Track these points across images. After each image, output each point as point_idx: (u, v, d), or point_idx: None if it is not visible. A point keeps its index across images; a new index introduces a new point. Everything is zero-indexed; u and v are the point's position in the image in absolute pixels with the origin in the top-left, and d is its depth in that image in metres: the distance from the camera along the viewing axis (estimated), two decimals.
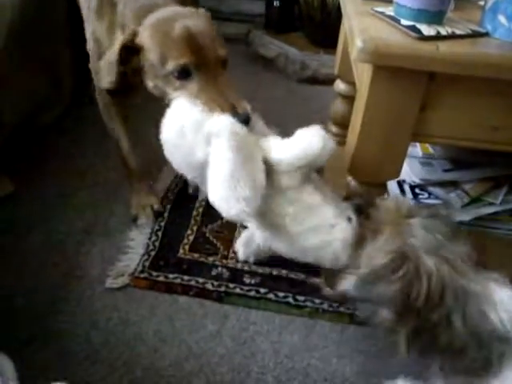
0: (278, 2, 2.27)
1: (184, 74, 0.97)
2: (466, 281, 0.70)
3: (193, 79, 0.98)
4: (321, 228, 0.95)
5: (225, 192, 0.87)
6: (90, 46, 1.21)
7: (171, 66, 0.97)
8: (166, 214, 1.39)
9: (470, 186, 1.26)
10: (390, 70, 0.85)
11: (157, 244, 1.29)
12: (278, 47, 2.26)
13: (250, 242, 1.18)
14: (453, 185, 1.27)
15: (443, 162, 1.30)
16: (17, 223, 1.33)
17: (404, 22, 0.88)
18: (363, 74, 0.95)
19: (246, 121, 0.94)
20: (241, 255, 1.22)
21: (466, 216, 1.23)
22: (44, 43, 1.56)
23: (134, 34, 1.01)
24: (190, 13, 1.04)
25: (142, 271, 1.21)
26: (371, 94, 0.90)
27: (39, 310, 1.11)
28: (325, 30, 2.14)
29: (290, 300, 1.15)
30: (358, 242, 0.83)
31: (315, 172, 1.01)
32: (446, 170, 1.28)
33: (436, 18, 0.88)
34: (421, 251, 0.72)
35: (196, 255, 1.27)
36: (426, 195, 1.26)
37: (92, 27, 1.17)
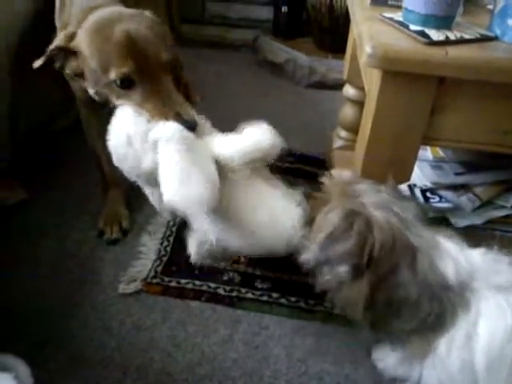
0: (285, 8, 2.28)
1: (127, 82, 0.93)
2: (416, 234, 0.72)
3: (136, 88, 0.94)
4: (273, 216, 0.97)
5: (180, 190, 0.87)
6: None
7: (113, 74, 0.93)
8: (177, 220, 1.40)
9: (481, 190, 1.26)
10: (399, 75, 0.85)
11: (168, 249, 1.30)
12: (286, 53, 2.27)
13: (202, 242, 1.13)
14: (464, 188, 1.27)
15: (454, 165, 1.30)
16: (30, 230, 1.34)
17: (413, 27, 0.89)
18: (372, 79, 0.96)
19: (192, 127, 0.93)
20: (193, 259, 1.17)
21: (477, 219, 1.22)
22: None
23: (71, 37, 0.98)
24: (131, 15, 0.98)
25: (154, 276, 1.22)
26: (381, 99, 0.90)
27: (53, 315, 1.12)
28: (333, 35, 2.15)
29: (302, 304, 1.16)
30: (310, 221, 0.85)
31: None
32: (456, 174, 1.28)
33: (445, 22, 0.89)
34: (370, 207, 0.74)
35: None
36: (437, 199, 1.26)
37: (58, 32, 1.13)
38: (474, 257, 0.70)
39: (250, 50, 2.40)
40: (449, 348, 0.69)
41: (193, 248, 1.16)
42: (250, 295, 1.18)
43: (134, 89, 0.94)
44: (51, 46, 0.99)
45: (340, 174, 0.87)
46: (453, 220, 1.22)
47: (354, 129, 1.46)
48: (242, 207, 0.98)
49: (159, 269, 1.24)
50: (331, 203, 0.79)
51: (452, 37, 0.87)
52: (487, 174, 1.29)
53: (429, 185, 1.27)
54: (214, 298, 1.17)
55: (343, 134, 1.56)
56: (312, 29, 2.29)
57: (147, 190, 1.09)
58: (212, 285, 1.20)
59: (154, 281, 1.21)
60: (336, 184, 0.83)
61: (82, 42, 0.97)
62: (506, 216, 1.24)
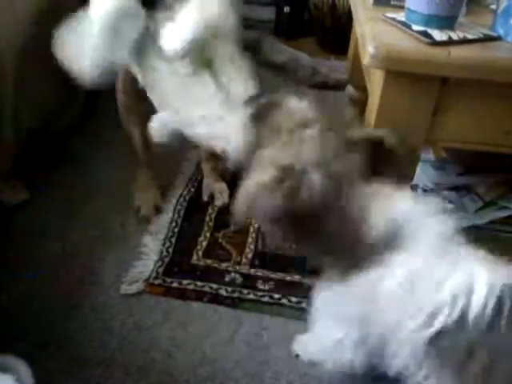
0: (287, 8, 2.28)
1: None
2: (349, 193, 0.73)
3: None
4: (207, 120, 0.94)
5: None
6: None
7: None
8: (179, 221, 1.40)
9: (484, 190, 1.26)
10: (401, 75, 0.85)
11: (170, 250, 1.30)
12: (288, 53, 2.26)
13: (162, 123, 1.09)
14: (466, 189, 1.27)
15: (456, 166, 1.30)
16: (31, 230, 1.34)
17: (415, 27, 0.88)
18: (375, 80, 0.96)
19: None
20: (155, 137, 1.12)
21: (479, 220, 1.22)
22: None
23: None
24: None
25: (156, 277, 1.21)
26: (383, 99, 0.90)
27: (53, 315, 1.12)
28: (335, 36, 2.15)
29: (304, 305, 1.15)
30: (256, 142, 0.82)
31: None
32: (459, 174, 1.28)
33: (448, 22, 0.88)
34: (308, 166, 0.73)
35: (209, 261, 1.27)
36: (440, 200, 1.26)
37: None
38: (404, 207, 0.72)
39: (251, 51, 2.40)
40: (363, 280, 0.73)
41: (155, 128, 1.11)
42: (251, 296, 1.18)
43: None
44: None
45: (297, 106, 0.83)
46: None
47: None
48: (182, 102, 0.96)
49: (161, 269, 1.24)
50: (276, 142, 0.78)
51: (455, 37, 0.86)
52: (490, 174, 1.28)
53: (431, 185, 1.27)
54: (216, 299, 1.17)
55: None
56: (314, 29, 2.29)
57: None
58: (214, 286, 1.20)
59: (156, 281, 1.20)
60: (288, 118, 0.80)
61: None
62: (509, 217, 1.24)
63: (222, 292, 1.18)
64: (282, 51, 2.29)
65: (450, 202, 1.25)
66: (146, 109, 1.13)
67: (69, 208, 1.42)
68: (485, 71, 0.81)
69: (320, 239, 0.76)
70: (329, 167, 0.73)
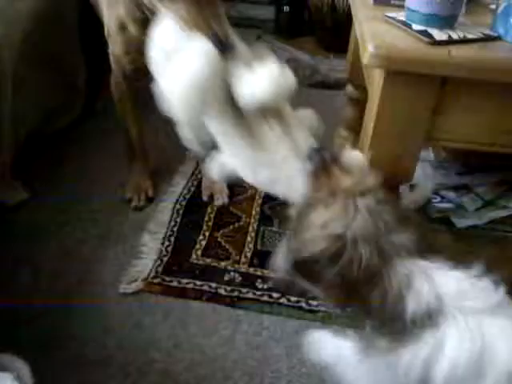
0: (287, 8, 2.28)
1: None
2: (395, 272, 0.72)
3: (181, 1, 0.96)
4: (271, 165, 0.96)
5: (185, 99, 0.90)
6: (112, 31, 1.25)
7: None
8: (178, 220, 1.40)
9: (483, 190, 1.26)
10: (401, 74, 0.85)
11: (169, 249, 1.30)
12: (288, 52, 2.26)
13: (219, 163, 1.10)
14: (466, 188, 1.27)
15: (456, 165, 1.30)
16: (31, 229, 1.34)
17: (415, 26, 0.88)
18: (374, 79, 0.96)
19: (224, 48, 0.92)
20: (214, 175, 1.14)
21: (479, 220, 1.22)
22: (58, 49, 1.58)
23: None
24: None
25: (155, 276, 1.21)
26: (383, 99, 0.90)
27: (54, 314, 1.12)
28: (335, 35, 2.15)
29: (303, 305, 1.16)
30: (310, 199, 0.82)
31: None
32: (458, 174, 1.28)
33: (448, 22, 0.88)
34: (359, 238, 0.73)
35: (208, 260, 1.27)
36: (439, 199, 1.26)
37: (116, 10, 1.21)
38: (448, 283, 0.71)
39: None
40: (411, 360, 0.70)
41: (214, 168, 1.12)
42: (250, 295, 1.18)
43: (178, 1, 0.96)
44: None
45: (356, 159, 0.83)
46: (455, 220, 1.22)
47: (356, 129, 1.45)
48: (249, 144, 0.97)
49: (160, 269, 1.24)
50: (331, 206, 0.77)
51: (455, 36, 0.86)
52: (489, 174, 1.28)
53: (431, 185, 1.27)
54: (215, 298, 1.17)
55: (344, 133, 1.56)
56: (314, 28, 2.29)
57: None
58: (213, 285, 1.20)
59: (155, 281, 1.20)
60: (348, 181, 0.79)
61: None
62: (509, 216, 1.24)
63: (221, 291, 1.19)
64: (281, 50, 2.28)
65: (450, 201, 1.25)
66: (141, 99, 1.14)
67: (68, 208, 1.42)
68: (485, 71, 0.81)
69: (363, 307, 0.75)
70: (380, 242, 0.73)
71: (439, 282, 0.70)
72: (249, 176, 1.02)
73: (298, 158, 0.94)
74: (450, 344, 0.68)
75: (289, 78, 0.95)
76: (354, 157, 0.85)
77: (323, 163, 0.84)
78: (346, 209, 0.75)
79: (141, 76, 1.27)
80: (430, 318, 0.69)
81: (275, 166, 0.97)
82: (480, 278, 0.72)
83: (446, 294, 0.70)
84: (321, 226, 0.76)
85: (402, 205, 0.83)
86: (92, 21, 1.46)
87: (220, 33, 0.93)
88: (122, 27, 1.22)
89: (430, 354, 0.69)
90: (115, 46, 1.28)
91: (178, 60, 0.93)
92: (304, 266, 0.76)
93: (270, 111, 0.97)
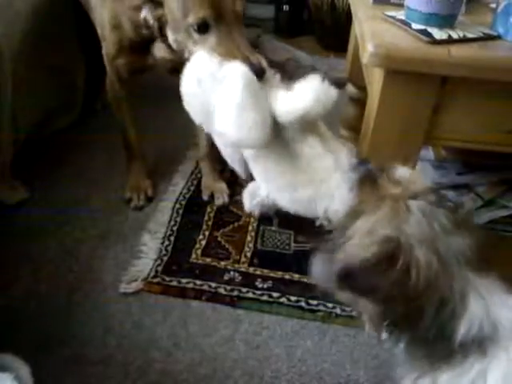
0: (287, 7, 2.28)
1: (203, 27, 1.01)
2: (453, 277, 0.66)
3: (211, 33, 1.01)
4: (313, 180, 0.97)
5: (234, 119, 0.92)
6: (105, 31, 1.26)
7: (192, 19, 1.00)
8: (178, 219, 1.40)
9: (484, 189, 1.26)
10: (401, 74, 0.85)
11: (169, 249, 1.30)
12: (287, 51, 2.26)
13: (254, 193, 1.17)
14: (466, 188, 1.27)
15: (456, 165, 1.30)
16: (31, 229, 1.34)
17: (415, 25, 0.88)
18: (374, 78, 0.96)
19: (258, 71, 0.97)
20: (246, 207, 1.19)
21: (479, 219, 1.22)
22: (57, 49, 1.58)
23: None
24: None
25: (155, 276, 1.21)
26: (383, 98, 0.90)
27: (54, 314, 1.12)
28: (335, 34, 2.15)
29: (303, 304, 1.15)
30: (356, 208, 0.75)
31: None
32: (458, 173, 1.28)
33: (447, 21, 0.88)
34: (414, 241, 0.65)
35: (208, 260, 1.27)
36: None
37: (109, 10, 1.21)
38: (504, 311, 0.66)
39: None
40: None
41: (246, 197, 1.18)
42: (250, 295, 1.18)
43: (208, 34, 1.01)
44: None
45: (405, 174, 0.75)
46: None
47: (356, 128, 1.45)
48: (287, 166, 0.99)
49: (160, 268, 1.23)
50: (379, 211, 0.69)
51: (455, 36, 0.86)
52: (489, 173, 1.28)
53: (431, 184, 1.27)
54: (215, 298, 1.17)
55: (345, 133, 1.56)
56: (314, 27, 2.29)
57: (215, 137, 1.11)
58: (213, 284, 1.20)
59: (155, 280, 1.20)
60: (396, 186, 0.72)
61: None
62: (509, 216, 1.24)
63: (221, 290, 1.18)
64: (281, 50, 2.29)
65: (450, 201, 1.25)
66: (141, 98, 1.15)
67: (67, 207, 1.42)
68: (485, 70, 0.81)
69: (409, 323, 0.68)
70: (435, 245, 0.65)
71: (497, 309, 0.65)
72: (285, 198, 1.03)
73: (341, 172, 0.94)
74: (494, 377, 0.63)
75: (331, 91, 0.97)
76: (402, 170, 0.77)
77: (369, 173, 0.77)
78: (396, 210, 0.68)
79: (136, 75, 1.33)
80: (480, 345, 0.64)
81: (316, 183, 0.97)
82: None
83: (502, 322, 0.64)
84: (368, 232, 0.68)
85: (458, 210, 0.74)
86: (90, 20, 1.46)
87: (252, 58, 0.98)
88: (116, 27, 1.22)
89: (472, 382, 0.64)
90: (109, 46, 1.28)
91: (217, 84, 0.95)
92: (353, 277, 0.67)
93: (308, 128, 0.98)
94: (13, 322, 1.08)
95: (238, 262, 1.27)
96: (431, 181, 1.27)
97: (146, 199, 1.47)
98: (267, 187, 1.07)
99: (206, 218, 1.41)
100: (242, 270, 1.24)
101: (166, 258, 1.27)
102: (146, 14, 1.09)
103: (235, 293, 1.18)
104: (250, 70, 0.95)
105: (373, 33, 0.87)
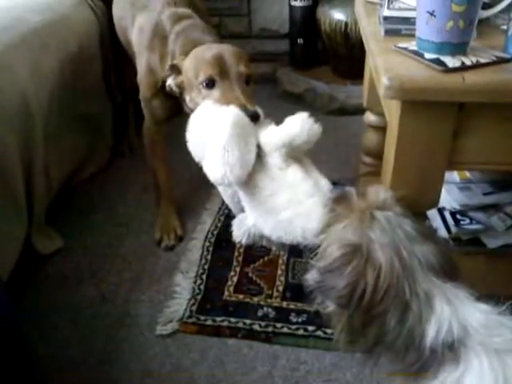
0: (301, 40, 2.33)
1: (210, 83, 1.16)
2: (417, 284, 0.68)
3: (216, 88, 1.16)
4: (292, 202, 1.01)
5: (215, 158, 0.98)
6: (142, 75, 1.40)
7: (201, 77, 1.17)
8: (209, 257, 1.42)
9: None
10: (418, 103, 0.86)
11: (202, 287, 1.32)
12: (305, 82, 2.30)
13: (242, 223, 1.19)
14: (494, 208, 1.25)
15: (482, 185, 1.29)
16: (67, 276, 1.38)
17: (428, 55, 0.89)
18: (392, 109, 0.97)
19: (252, 116, 1.07)
20: (234, 236, 1.20)
21: (509, 239, 1.20)
22: (84, 100, 1.65)
23: (182, 59, 1.25)
24: (226, 45, 1.25)
25: (189, 316, 1.23)
26: (402, 128, 0.91)
27: (93, 359, 1.15)
28: (350, 62, 2.18)
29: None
30: (328, 220, 0.81)
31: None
32: (485, 194, 1.27)
33: (460, 49, 0.89)
34: (376, 245, 0.69)
35: (241, 296, 1.28)
36: (468, 221, 1.24)
37: (146, 58, 1.38)
38: (473, 315, 0.67)
39: (269, 83, 2.44)
40: None
41: (234, 227, 1.20)
42: (285, 330, 1.18)
43: (214, 89, 1.17)
44: (169, 64, 1.27)
45: (373, 192, 0.80)
46: (486, 241, 1.21)
47: (378, 154, 1.46)
48: (269, 191, 1.04)
49: (194, 308, 1.25)
50: (346, 221, 0.75)
51: (468, 62, 0.87)
52: None
53: (458, 207, 1.26)
54: (251, 335, 1.18)
55: (368, 160, 1.56)
56: (329, 57, 2.32)
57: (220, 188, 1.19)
58: (247, 321, 1.21)
59: (190, 320, 1.22)
60: (363, 200, 0.78)
61: (186, 61, 1.24)
62: None
63: (256, 327, 1.19)
64: (298, 81, 2.33)
65: (479, 222, 1.24)
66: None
67: (101, 252, 1.46)
68: (500, 94, 0.81)
69: (377, 329, 0.70)
70: (398, 250, 0.69)
71: (465, 313, 0.67)
72: (270, 224, 1.06)
73: (319, 194, 0.99)
74: (470, 382, 0.64)
75: (315, 126, 1.06)
76: (372, 188, 0.82)
77: (344, 193, 0.83)
78: (361, 219, 0.73)
79: (171, 120, 1.43)
80: (452, 350, 0.65)
81: (294, 205, 1.01)
82: (505, 314, 0.68)
83: (472, 326, 0.65)
84: (336, 239, 0.74)
85: (423, 222, 0.79)
86: (116, 65, 1.54)
87: (248, 105, 1.09)
88: (150, 72, 1.36)
89: None
90: (144, 89, 1.41)
91: (212, 123, 1.03)
92: (325, 278, 0.73)
93: (291, 157, 1.03)
94: (54, 370, 1.11)
95: (271, 296, 1.27)
96: (458, 203, 1.27)
97: (177, 239, 1.50)
98: (253, 215, 1.11)
99: (235, 253, 1.43)
100: (275, 304, 1.25)
101: (199, 297, 1.28)
102: (170, 82, 1.26)
103: (270, 329, 1.18)
104: (243, 113, 1.05)
105: (386, 65, 0.89)
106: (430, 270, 0.69)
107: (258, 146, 1.04)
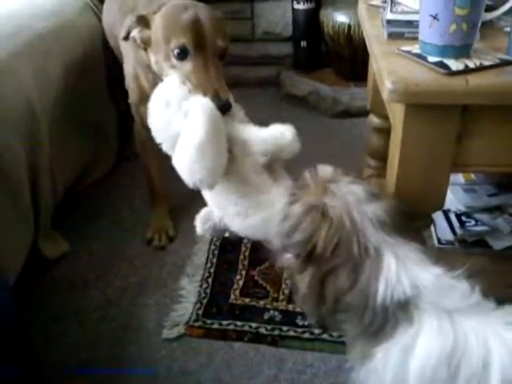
0: (304, 42, 2.33)
1: (182, 53, 1.08)
2: (369, 241, 0.72)
3: (188, 60, 1.08)
4: (265, 206, 1.04)
5: (191, 160, 0.98)
6: (129, 80, 1.38)
7: (173, 44, 1.08)
8: (214, 261, 1.42)
9: None
10: (422, 107, 0.86)
11: (208, 291, 1.32)
12: (308, 85, 2.30)
13: (207, 218, 1.21)
14: (499, 210, 1.25)
15: (487, 187, 1.29)
16: (73, 281, 1.38)
17: (431, 58, 0.90)
18: (396, 112, 0.97)
19: (224, 107, 1.04)
20: (198, 230, 1.23)
21: None
22: (88, 104, 1.66)
23: (153, 13, 1.15)
24: (203, 6, 1.15)
25: (196, 320, 1.23)
26: (406, 131, 0.91)
27: (101, 363, 1.15)
28: (353, 65, 2.18)
29: (345, 339, 1.15)
30: (291, 199, 0.86)
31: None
32: (490, 195, 1.27)
33: (463, 51, 0.89)
34: (329, 206, 0.76)
35: (247, 300, 1.29)
36: (473, 222, 1.25)
37: (132, 63, 1.33)
38: (425, 276, 0.70)
39: (272, 86, 2.45)
40: (385, 359, 0.70)
41: (199, 222, 1.22)
42: (292, 333, 1.18)
43: (186, 61, 1.08)
44: (136, 14, 1.17)
45: (323, 169, 0.87)
46: (491, 243, 1.21)
47: (382, 157, 1.46)
48: (238, 194, 1.07)
49: (200, 311, 1.26)
50: (303, 197, 0.82)
51: (471, 65, 0.87)
52: None
53: (463, 209, 1.26)
54: (257, 338, 1.18)
55: (372, 162, 1.57)
56: (332, 60, 2.33)
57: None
58: (253, 324, 1.21)
59: (196, 324, 1.22)
60: (315, 180, 0.84)
61: (157, 17, 1.13)
62: None
63: (262, 330, 1.19)
64: (302, 84, 2.33)
65: (484, 224, 1.24)
66: None
67: (107, 257, 1.46)
68: (504, 97, 0.82)
69: (330, 289, 0.75)
70: (350, 211, 0.75)
71: (417, 273, 0.70)
72: (237, 224, 1.10)
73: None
74: (422, 342, 0.67)
75: (297, 143, 1.07)
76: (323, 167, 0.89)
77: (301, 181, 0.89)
78: (317, 191, 0.80)
79: None
80: (404, 310, 0.68)
81: (266, 209, 1.04)
82: (459, 278, 0.71)
83: (424, 286, 0.69)
84: (298, 206, 0.80)
85: (376, 187, 0.86)
86: (120, 70, 1.55)
87: (221, 93, 1.05)
88: (135, 77, 1.32)
89: (403, 352, 0.68)
90: (132, 95, 1.38)
91: (181, 114, 1.03)
92: (290, 234, 0.79)
93: (270, 161, 1.06)
94: (61, 375, 1.11)
95: (277, 299, 1.28)
96: (463, 205, 1.27)
97: (167, 239, 1.52)
98: (220, 213, 1.13)
99: (241, 256, 1.43)
100: (282, 307, 1.25)
101: (205, 301, 1.29)
102: (135, 34, 1.16)
103: (276, 332, 1.19)
104: (215, 105, 1.02)
105: (390, 69, 0.89)
106: (381, 228, 0.73)
107: (228, 142, 1.04)
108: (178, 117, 1.03)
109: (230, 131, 1.06)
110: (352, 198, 0.77)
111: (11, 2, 1.55)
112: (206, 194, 1.13)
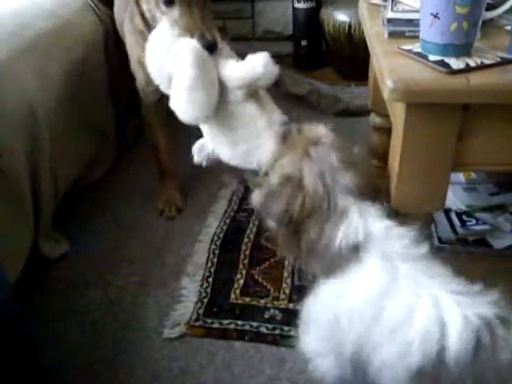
0: (305, 41, 2.33)
1: (169, 0, 1.18)
2: (335, 205, 0.83)
3: (175, 6, 1.18)
4: (249, 136, 1.11)
5: (184, 98, 1.07)
6: (134, 64, 1.46)
7: None
8: (215, 260, 1.42)
9: None
10: (423, 106, 0.86)
11: (208, 290, 1.32)
12: (309, 84, 2.30)
13: (202, 148, 1.27)
14: (500, 208, 1.25)
15: (488, 186, 1.29)
16: (74, 280, 1.38)
17: (432, 57, 0.89)
18: (397, 111, 0.97)
19: (210, 46, 1.12)
20: (195, 159, 1.28)
21: None
22: (89, 104, 1.66)
23: None
24: None
25: (196, 319, 1.23)
26: (407, 130, 0.91)
27: (100, 362, 1.15)
28: (354, 63, 2.18)
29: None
30: (274, 159, 0.95)
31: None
32: (491, 194, 1.27)
33: (464, 50, 0.89)
34: (306, 175, 0.85)
35: (248, 299, 1.29)
36: (474, 221, 1.24)
37: (135, 48, 1.41)
38: (377, 226, 0.80)
39: (272, 85, 2.44)
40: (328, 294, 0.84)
41: (195, 152, 1.27)
42: (292, 332, 1.18)
43: (173, 7, 1.18)
44: None
45: (309, 129, 0.96)
46: (492, 242, 1.21)
47: (383, 156, 1.46)
48: (229, 126, 1.14)
49: (201, 311, 1.25)
50: (284, 159, 0.91)
51: (472, 63, 0.87)
52: None
53: (464, 208, 1.26)
54: (257, 338, 1.18)
55: (374, 162, 1.56)
56: (333, 59, 2.33)
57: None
58: (254, 324, 1.21)
59: (197, 323, 1.22)
60: (299, 140, 0.93)
61: None
62: None
63: (263, 330, 1.19)
64: (302, 83, 2.33)
65: (485, 223, 1.23)
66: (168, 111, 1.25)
67: (108, 256, 1.46)
68: (505, 95, 0.81)
69: (304, 242, 0.86)
70: (324, 178, 0.85)
71: (371, 224, 0.80)
72: (227, 153, 1.18)
73: (271, 128, 1.10)
74: (357, 281, 0.78)
75: (275, 66, 1.12)
76: (316, 128, 0.97)
77: (288, 129, 0.99)
78: (297, 155, 0.89)
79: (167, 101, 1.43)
80: (356, 252, 0.79)
81: (251, 139, 1.12)
82: (412, 232, 0.79)
83: (374, 235, 0.79)
84: (278, 172, 0.90)
85: (354, 151, 0.93)
86: (121, 69, 1.57)
87: (207, 34, 1.14)
88: (140, 62, 1.39)
89: (341, 289, 0.80)
90: (138, 77, 1.48)
91: (171, 55, 1.11)
92: (270, 204, 0.89)
93: (249, 93, 1.12)
94: (61, 375, 1.11)
95: (278, 299, 1.28)
96: (464, 204, 1.27)
97: (177, 210, 1.62)
98: (212, 144, 1.20)
99: (241, 256, 1.43)
100: (282, 307, 1.25)
101: (206, 300, 1.29)
102: None
103: (277, 331, 1.18)
104: (201, 45, 1.10)
105: (391, 68, 0.89)
106: (350, 193, 0.83)
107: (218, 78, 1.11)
108: (170, 59, 1.11)
109: (218, 68, 1.13)
110: (327, 166, 0.85)
111: (11, 1, 1.55)
112: (202, 127, 1.21)
